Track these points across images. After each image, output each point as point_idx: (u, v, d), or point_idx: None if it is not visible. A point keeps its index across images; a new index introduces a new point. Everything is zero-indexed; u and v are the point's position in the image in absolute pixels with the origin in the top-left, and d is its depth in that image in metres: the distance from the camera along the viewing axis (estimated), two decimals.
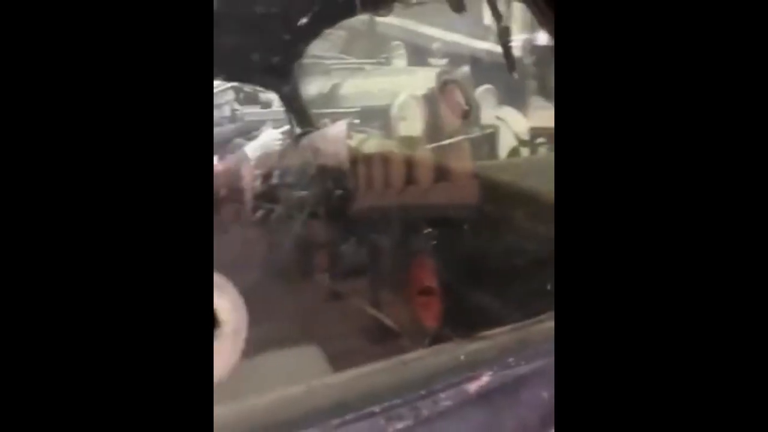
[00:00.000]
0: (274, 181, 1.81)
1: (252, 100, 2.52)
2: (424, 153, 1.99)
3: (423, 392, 0.58)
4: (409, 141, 2.21)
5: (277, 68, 1.85)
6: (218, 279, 0.81)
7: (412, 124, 2.20)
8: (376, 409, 0.56)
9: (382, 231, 1.69)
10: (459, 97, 1.87)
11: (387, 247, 1.67)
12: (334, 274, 1.68)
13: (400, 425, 0.55)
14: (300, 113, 2.00)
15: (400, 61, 3.30)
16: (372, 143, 2.08)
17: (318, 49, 2.64)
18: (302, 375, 0.85)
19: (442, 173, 1.70)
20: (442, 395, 0.59)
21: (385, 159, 1.84)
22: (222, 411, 0.59)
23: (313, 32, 1.69)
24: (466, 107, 1.93)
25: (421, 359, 0.74)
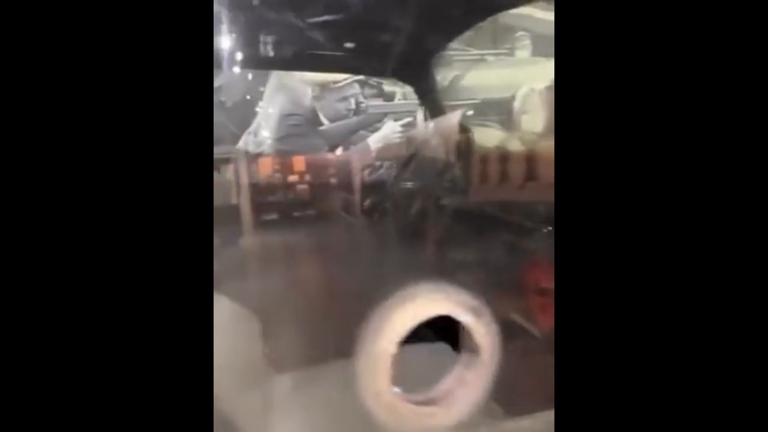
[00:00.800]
0: (384, 172, 1.83)
1: (376, 93, 2.57)
2: (547, 148, 1.91)
3: None
4: (530, 135, 2.14)
5: (416, 61, 1.86)
6: (472, 301, 0.77)
7: (534, 118, 2.11)
8: None
9: (497, 227, 1.65)
10: None
11: (502, 243, 1.63)
12: (443, 269, 1.66)
13: None
14: (434, 105, 2.00)
15: (523, 51, 3.18)
16: (491, 136, 2.03)
17: None
18: None
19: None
20: None
21: (503, 153, 1.79)
22: None
23: (464, 25, 1.69)
24: None
25: None
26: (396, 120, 2.50)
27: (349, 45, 1.73)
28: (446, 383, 0.84)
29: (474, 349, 0.80)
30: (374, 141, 2.40)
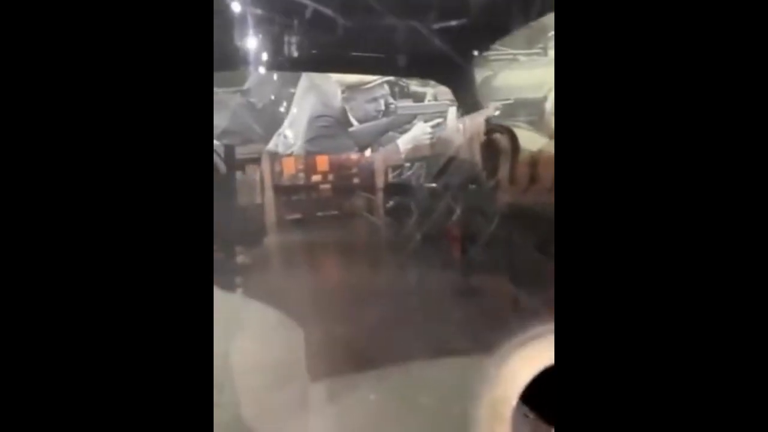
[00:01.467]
0: (412, 174, 1.82)
1: (405, 93, 2.56)
2: None
3: None
4: None
5: (456, 61, 1.86)
6: None
7: None
8: None
9: (525, 227, 1.63)
10: None
11: (528, 244, 1.60)
12: (468, 270, 1.65)
13: None
14: (470, 105, 1.99)
15: None
16: (522, 137, 2.00)
17: None
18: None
19: None
20: None
21: (533, 154, 1.77)
22: None
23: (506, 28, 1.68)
24: None
25: None
26: (426, 121, 2.49)
27: (381, 47, 1.74)
28: None
29: None
30: (404, 142, 2.40)
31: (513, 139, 1.88)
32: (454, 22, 1.51)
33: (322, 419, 0.91)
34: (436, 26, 1.50)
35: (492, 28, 1.62)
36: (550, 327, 0.63)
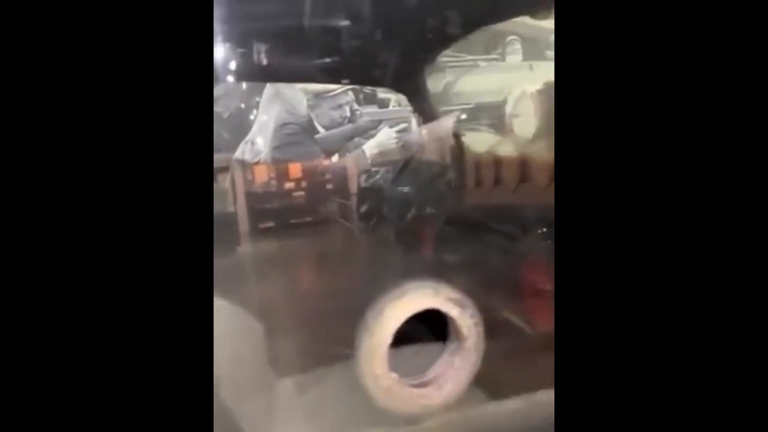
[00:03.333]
0: (379, 178, 1.85)
1: (370, 100, 2.59)
2: (539, 151, 1.93)
3: None
4: (522, 138, 2.16)
5: (408, 72, 1.90)
6: (457, 295, 0.89)
7: (526, 121, 2.14)
8: None
9: (492, 230, 1.67)
10: None
11: (497, 246, 1.65)
12: (440, 273, 1.67)
13: None
14: (428, 112, 2.03)
15: (514, 56, 3.21)
16: (483, 140, 2.05)
17: None
18: None
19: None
20: None
21: (497, 156, 1.81)
22: None
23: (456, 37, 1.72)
24: None
25: None
26: (391, 127, 2.51)
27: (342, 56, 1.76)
28: (437, 368, 0.95)
29: (460, 338, 0.90)
30: (370, 147, 2.42)
31: (477, 142, 1.94)
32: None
33: (289, 414, 0.96)
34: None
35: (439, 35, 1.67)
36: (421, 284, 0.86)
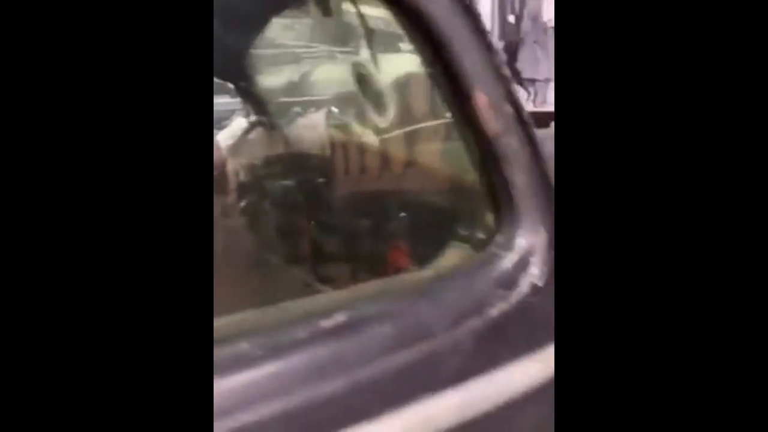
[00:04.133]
0: (257, 171, 1.84)
1: (222, 90, 2.52)
2: (395, 139, 2.04)
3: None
4: (381, 127, 2.27)
5: (230, 60, 1.88)
6: None
7: (384, 111, 2.24)
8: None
9: (361, 217, 1.74)
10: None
11: (366, 232, 1.72)
12: (317, 262, 1.71)
13: None
14: (256, 103, 2.03)
15: (367, 49, 3.30)
16: (347, 130, 2.12)
17: (285, 38, 2.64)
18: None
19: (412, 159, 1.76)
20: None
21: (359, 146, 1.88)
22: None
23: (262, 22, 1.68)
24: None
25: None
26: (243, 117, 2.47)
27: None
28: None
29: None
30: (223, 138, 2.36)
31: (346, 131, 2.00)
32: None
33: None
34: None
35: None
36: None
